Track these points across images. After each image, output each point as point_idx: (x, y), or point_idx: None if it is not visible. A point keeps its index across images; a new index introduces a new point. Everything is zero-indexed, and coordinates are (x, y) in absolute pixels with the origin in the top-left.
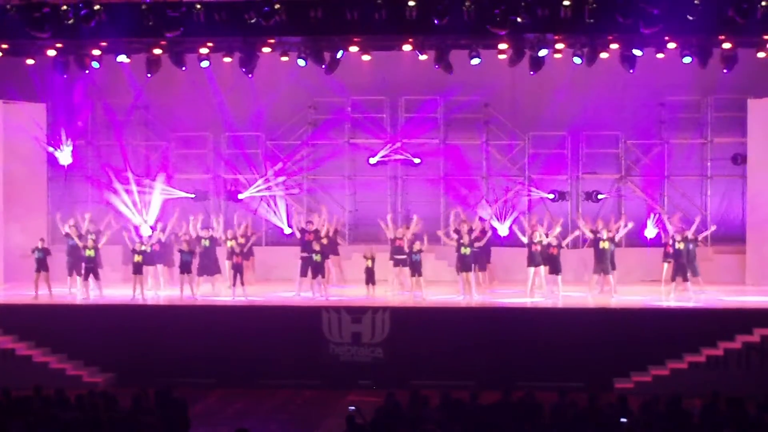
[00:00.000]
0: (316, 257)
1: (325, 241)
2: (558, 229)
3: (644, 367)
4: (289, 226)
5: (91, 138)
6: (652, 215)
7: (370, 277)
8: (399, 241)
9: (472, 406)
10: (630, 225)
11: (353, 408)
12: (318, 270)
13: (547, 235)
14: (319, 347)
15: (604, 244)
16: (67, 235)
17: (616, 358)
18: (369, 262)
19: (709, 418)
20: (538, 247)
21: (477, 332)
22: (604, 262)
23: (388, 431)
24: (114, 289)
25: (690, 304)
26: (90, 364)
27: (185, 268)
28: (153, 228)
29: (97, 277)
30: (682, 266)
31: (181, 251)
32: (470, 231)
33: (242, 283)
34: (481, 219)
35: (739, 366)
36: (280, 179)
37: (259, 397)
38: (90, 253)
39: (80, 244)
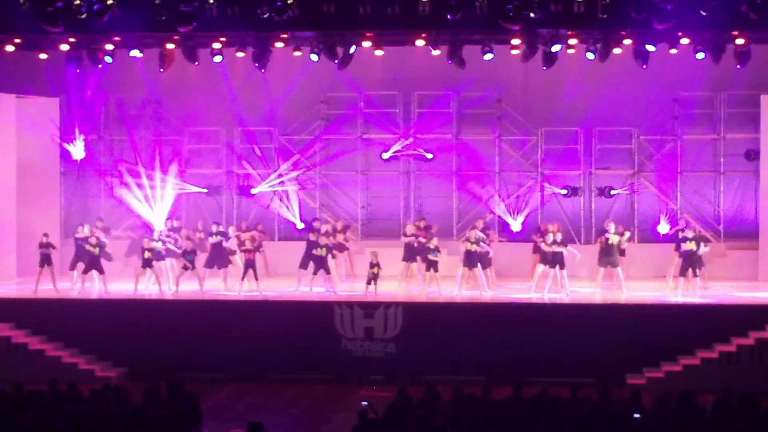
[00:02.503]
0: (320, 250)
1: (339, 236)
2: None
3: (656, 363)
4: (302, 220)
5: (104, 132)
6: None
7: (372, 279)
8: (410, 240)
9: (484, 401)
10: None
11: (366, 403)
12: (321, 264)
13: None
14: (331, 342)
15: (613, 239)
16: (79, 238)
17: (628, 353)
18: (375, 269)
19: (721, 413)
20: (552, 248)
21: (489, 328)
22: (611, 255)
23: (399, 426)
24: (124, 283)
25: (696, 300)
26: (103, 359)
27: (187, 266)
28: (167, 226)
29: (101, 271)
30: (692, 263)
31: (185, 252)
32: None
33: (256, 278)
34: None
35: (751, 362)
36: (293, 174)
37: (271, 391)
38: (95, 250)
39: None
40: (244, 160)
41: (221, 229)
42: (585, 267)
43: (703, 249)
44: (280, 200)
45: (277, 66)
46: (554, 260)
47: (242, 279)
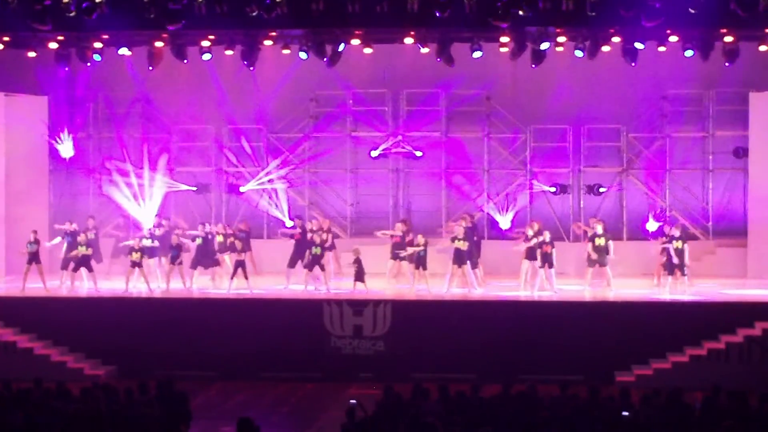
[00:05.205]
0: (316, 250)
1: (325, 236)
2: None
3: (646, 360)
4: (291, 219)
5: (93, 131)
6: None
7: (359, 276)
8: (395, 237)
9: (474, 399)
10: None
11: (354, 401)
12: (316, 261)
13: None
14: (320, 340)
15: (600, 241)
16: (66, 233)
17: (617, 351)
18: (355, 266)
19: (710, 411)
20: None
21: (478, 325)
22: (599, 255)
23: (388, 424)
24: (111, 282)
25: (685, 297)
26: (91, 357)
27: (174, 260)
28: (155, 223)
29: (90, 269)
30: (680, 262)
31: (172, 246)
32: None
33: (246, 277)
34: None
35: (740, 359)
36: (282, 172)
37: (261, 389)
38: (82, 249)
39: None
40: (233, 158)
41: (207, 229)
42: (573, 264)
43: (677, 244)
44: (269, 198)
45: (266, 64)
46: (542, 258)
47: (232, 278)
